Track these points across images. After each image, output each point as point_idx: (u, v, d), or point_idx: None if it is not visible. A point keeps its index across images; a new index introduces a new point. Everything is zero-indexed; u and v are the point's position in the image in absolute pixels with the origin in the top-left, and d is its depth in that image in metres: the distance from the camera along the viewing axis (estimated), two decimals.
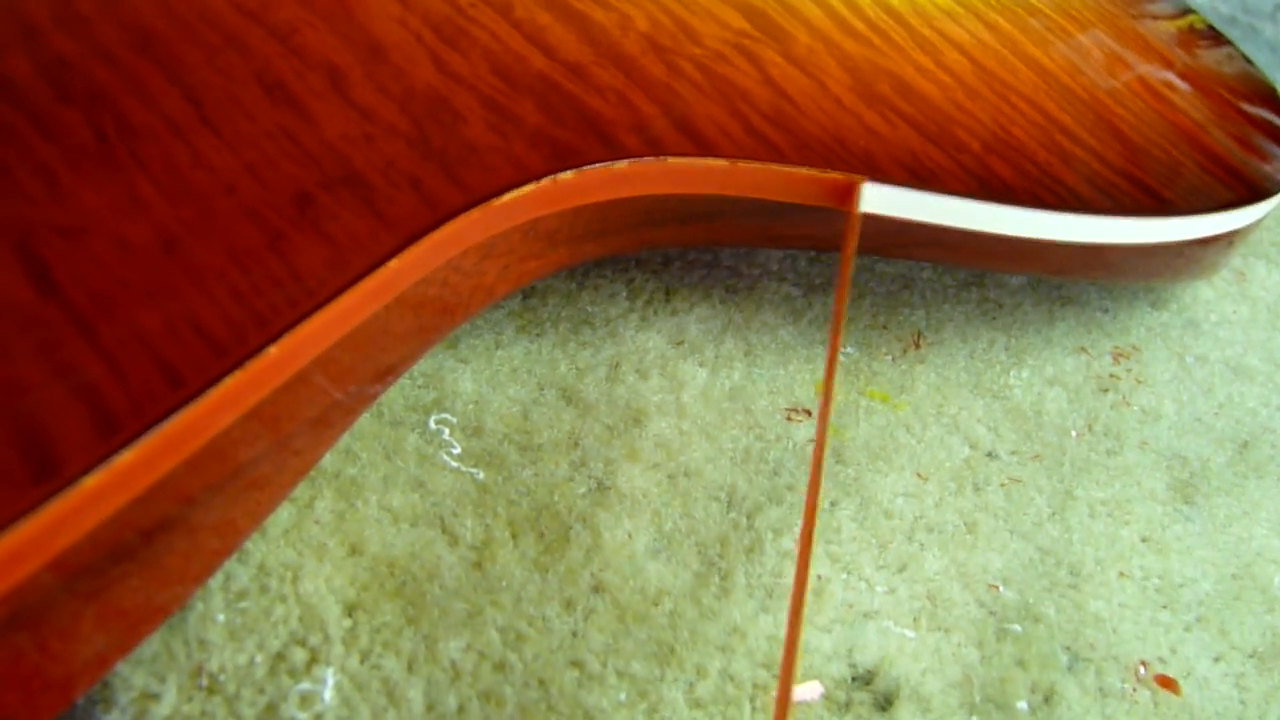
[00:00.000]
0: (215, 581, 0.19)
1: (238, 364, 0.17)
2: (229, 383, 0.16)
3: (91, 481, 0.15)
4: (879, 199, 0.26)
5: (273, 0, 0.23)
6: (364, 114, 0.21)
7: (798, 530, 0.24)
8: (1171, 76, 0.33)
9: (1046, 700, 0.23)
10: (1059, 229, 0.28)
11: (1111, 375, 0.31)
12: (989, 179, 0.26)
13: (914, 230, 0.27)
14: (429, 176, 0.21)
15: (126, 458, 0.15)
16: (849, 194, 0.24)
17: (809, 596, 0.23)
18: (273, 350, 0.17)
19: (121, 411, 0.16)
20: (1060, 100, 0.29)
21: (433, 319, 0.23)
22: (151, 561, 0.18)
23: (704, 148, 0.24)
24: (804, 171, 0.24)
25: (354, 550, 0.21)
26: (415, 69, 0.22)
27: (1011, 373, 0.30)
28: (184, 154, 0.19)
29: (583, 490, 0.23)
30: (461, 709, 0.19)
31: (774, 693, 0.21)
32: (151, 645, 0.19)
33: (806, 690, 0.22)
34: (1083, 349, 0.31)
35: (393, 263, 0.19)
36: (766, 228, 0.26)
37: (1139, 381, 0.30)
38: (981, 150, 0.26)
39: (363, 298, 0.19)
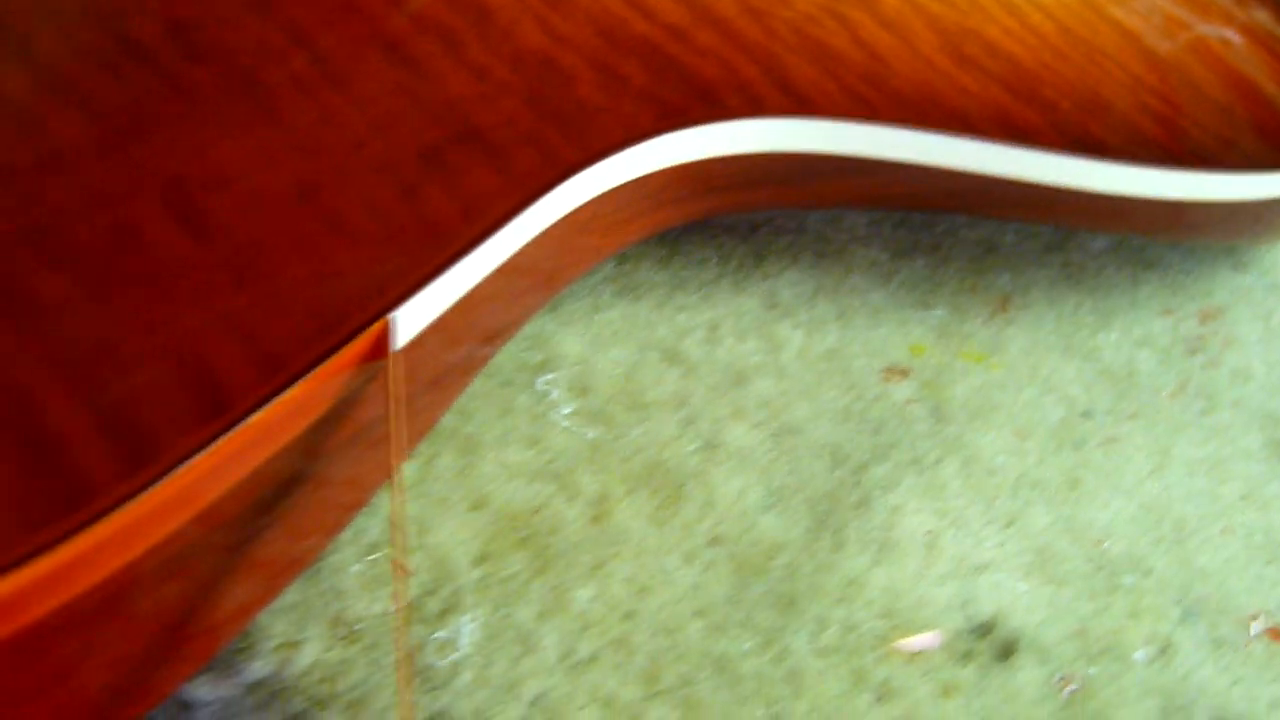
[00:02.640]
0: (347, 535, 0.20)
1: (379, 314, 0.17)
2: (368, 332, 0.17)
3: (258, 418, 0.15)
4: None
5: None
6: (479, 74, 0.21)
7: (905, 486, 0.25)
8: (1236, 36, 0.33)
9: (1162, 651, 0.23)
10: (1146, 184, 0.28)
11: (1199, 337, 0.31)
12: (1081, 135, 0.26)
13: (1006, 187, 0.27)
14: (546, 134, 0.21)
15: (288, 396, 0.16)
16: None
17: (922, 551, 0.24)
18: (399, 312, 0.17)
19: (282, 352, 0.16)
20: (1143, 58, 0.30)
21: (543, 279, 0.23)
22: (287, 515, 0.18)
23: (804, 107, 0.24)
24: None
25: (477, 505, 0.21)
26: (522, 31, 0.22)
27: (1100, 334, 0.30)
28: (313, 111, 0.19)
29: (692, 448, 0.24)
30: (594, 657, 0.20)
31: (895, 643, 0.22)
32: (290, 596, 0.19)
33: (926, 639, 0.22)
34: (1168, 311, 0.31)
35: (515, 219, 0.19)
36: (863, 186, 0.27)
37: (1227, 343, 0.30)
38: (1071, 108, 0.26)
39: (489, 253, 0.19)
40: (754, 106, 0.24)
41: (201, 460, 0.15)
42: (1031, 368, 0.29)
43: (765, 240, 0.30)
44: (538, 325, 0.25)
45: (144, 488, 0.14)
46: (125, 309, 0.16)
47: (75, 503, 0.14)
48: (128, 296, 0.16)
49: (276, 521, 0.18)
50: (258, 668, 0.19)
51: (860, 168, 0.26)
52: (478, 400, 0.23)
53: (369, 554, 0.20)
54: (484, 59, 0.22)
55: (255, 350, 0.16)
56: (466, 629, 0.19)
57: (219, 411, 0.15)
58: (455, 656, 0.19)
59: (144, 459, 0.15)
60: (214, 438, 0.15)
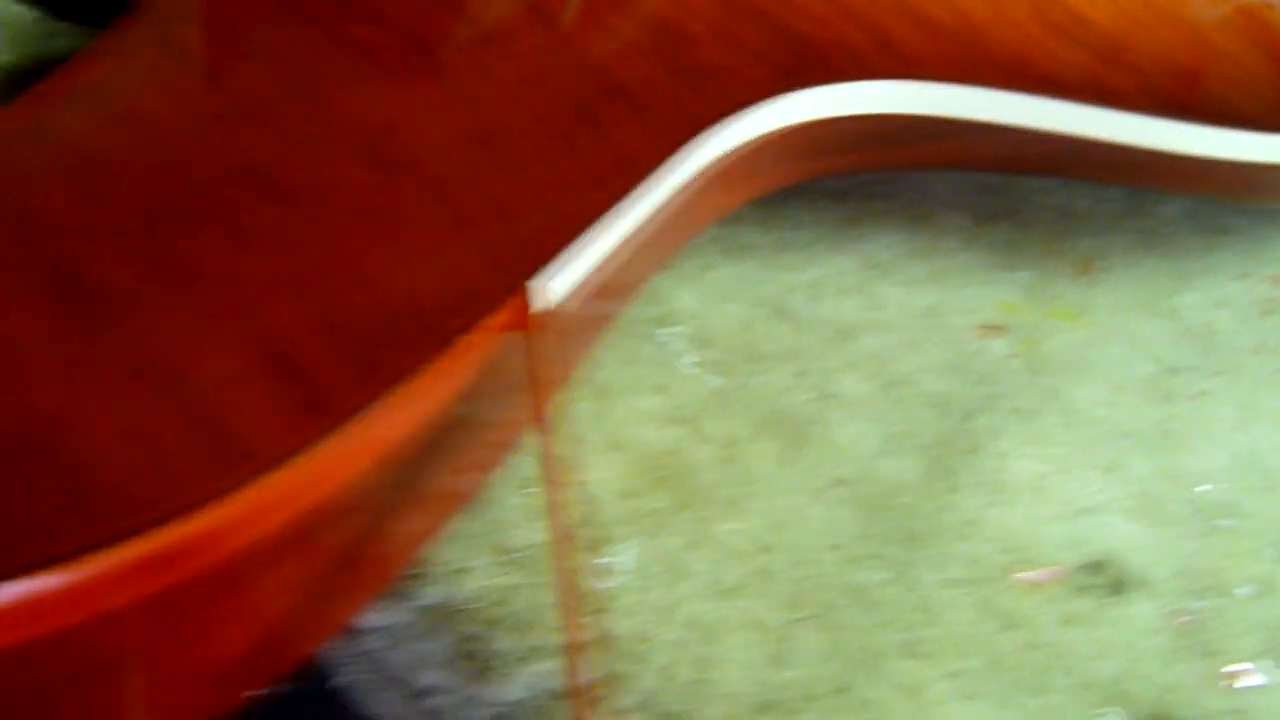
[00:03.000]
0: (503, 472, 0.21)
1: (549, 258, 0.18)
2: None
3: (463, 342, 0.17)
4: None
5: None
6: (613, 34, 0.23)
7: (1010, 434, 0.26)
8: None
9: (1263, 588, 0.24)
10: (1229, 147, 0.29)
11: (1273, 299, 0.32)
12: (1165, 98, 0.27)
13: (1096, 149, 0.28)
14: (679, 92, 0.22)
15: (471, 340, 0.17)
16: None
17: (1031, 494, 0.25)
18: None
19: (480, 291, 0.17)
20: (1220, 22, 0.31)
21: (670, 237, 0.24)
22: (454, 453, 0.19)
23: (910, 70, 0.25)
24: None
25: (615, 446, 0.22)
26: None
27: (1179, 296, 0.31)
28: (472, 66, 0.21)
29: (808, 397, 0.25)
30: (740, 584, 0.21)
31: (1016, 576, 0.23)
32: (456, 527, 0.20)
33: (1044, 574, 0.23)
34: (1244, 275, 0.33)
35: (658, 171, 0.20)
36: (960, 148, 0.28)
37: None
38: (1158, 72, 0.28)
39: (634, 205, 0.20)
40: (861, 69, 0.25)
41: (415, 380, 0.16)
42: (1117, 326, 0.30)
43: (858, 205, 0.31)
44: (653, 282, 0.27)
45: (375, 399, 0.15)
46: (339, 242, 0.17)
47: (316, 410, 0.15)
48: (340, 230, 0.17)
49: (446, 460, 0.20)
50: (429, 593, 0.20)
51: (959, 130, 0.27)
52: (606, 350, 0.24)
53: (525, 488, 0.21)
54: (616, 20, 0.23)
55: (458, 284, 0.17)
56: (622, 558, 0.20)
57: (433, 338, 0.17)
58: (613, 583, 0.20)
59: (370, 377, 0.16)
60: (430, 359, 0.16)
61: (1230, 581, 0.25)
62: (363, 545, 0.19)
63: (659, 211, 0.22)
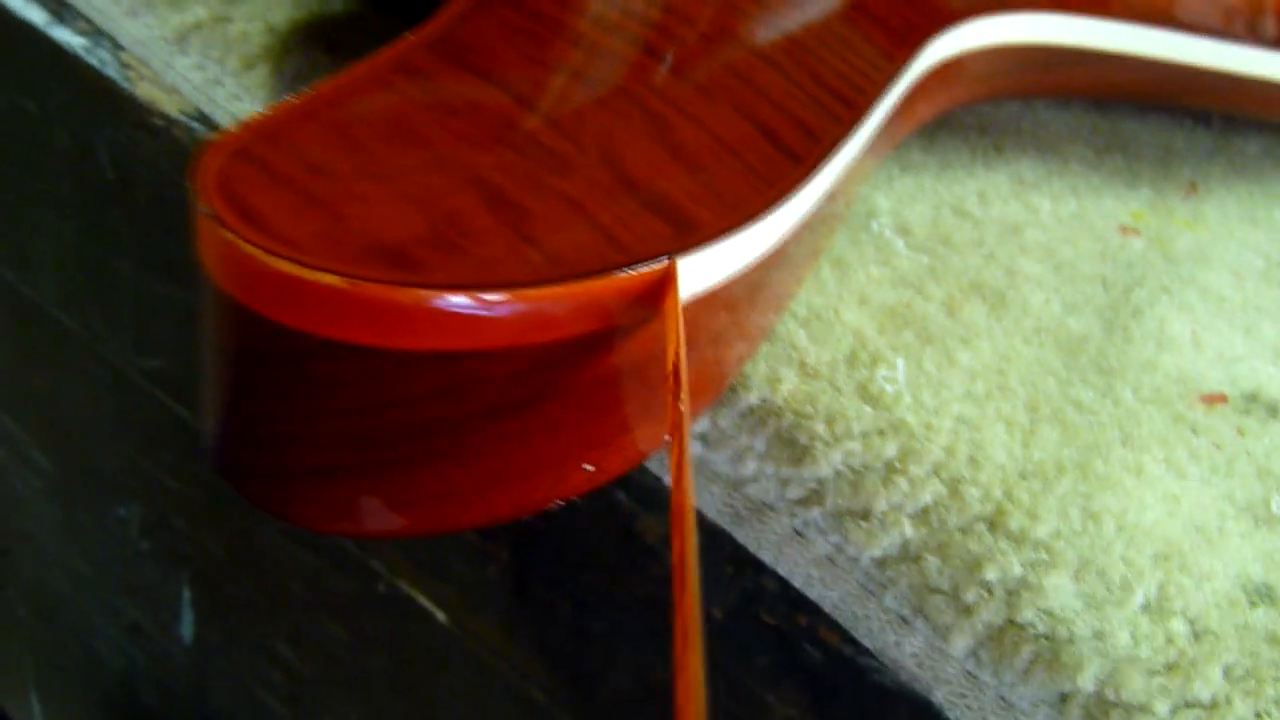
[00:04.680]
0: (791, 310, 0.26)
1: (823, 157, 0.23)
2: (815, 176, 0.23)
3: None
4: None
5: None
6: None
7: (1163, 304, 0.32)
8: None
9: None
10: None
11: None
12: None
13: (1203, 76, 0.34)
14: (902, 13, 0.28)
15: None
16: None
17: (1190, 347, 0.30)
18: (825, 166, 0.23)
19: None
20: None
21: (883, 144, 0.30)
22: (763, 295, 0.25)
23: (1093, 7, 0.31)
24: None
25: (861, 301, 0.28)
26: None
27: (1272, 210, 0.37)
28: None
29: (998, 273, 0.31)
30: (988, 394, 0.26)
31: (1196, 396, 0.28)
32: (762, 349, 0.26)
33: (1216, 396, 0.28)
34: None
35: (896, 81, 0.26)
36: (1102, 75, 0.34)
37: None
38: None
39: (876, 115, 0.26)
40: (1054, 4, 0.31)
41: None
42: (1228, 232, 0.36)
43: (998, 136, 0.37)
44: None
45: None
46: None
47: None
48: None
49: (759, 301, 0.25)
50: (748, 398, 0.25)
51: (1104, 59, 0.33)
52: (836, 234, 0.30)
53: (803, 326, 0.26)
54: None
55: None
56: (900, 365, 0.26)
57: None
58: (891, 389, 0.25)
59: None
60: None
61: None
62: (703, 365, 0.24)
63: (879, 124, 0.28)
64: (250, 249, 0.16)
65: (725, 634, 0.29)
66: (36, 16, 0.37)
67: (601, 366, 0.19)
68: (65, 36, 0.36)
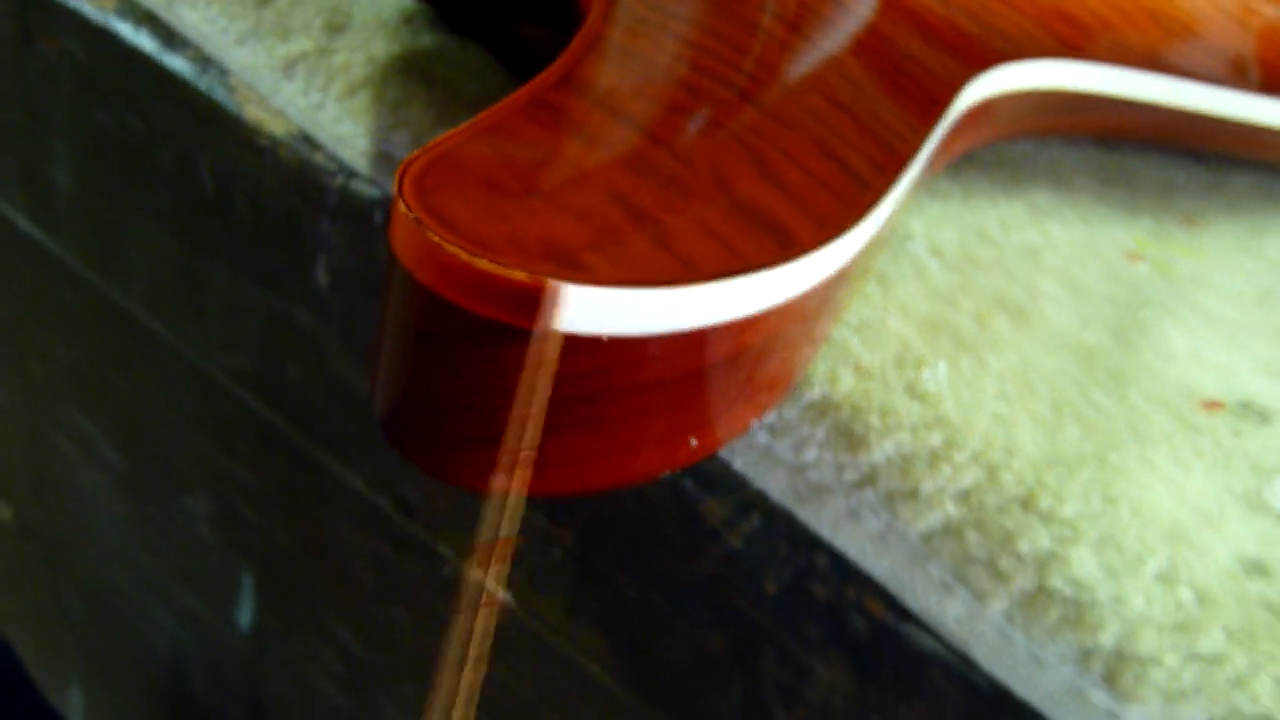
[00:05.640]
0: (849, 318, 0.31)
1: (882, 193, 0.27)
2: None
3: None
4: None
5: None
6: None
7: (1167, 323, 0.36)
8: None
9: None
10: None
11: None
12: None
13: (1220, 125, 0.39)
14: (942, 64, 0.32)
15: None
16: None
17: (1190, 360, 0.34)
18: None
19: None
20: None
21: (922, 175, 0.34)
22: (829, 305, 0.29)
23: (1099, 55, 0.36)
24: None
25: (904, 312, 0.32)
26: None
27: (1261, 241, 0.42)
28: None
29: (1020, 291, 0.35)
30: (1019, 394, 0.30)
31: (1198, 401, 0.32)
32: (822, 352, 0.30)
33: (1214, 403, 0.33)
34: None
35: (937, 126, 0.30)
36: (1116, 119, 0.38)
37: None
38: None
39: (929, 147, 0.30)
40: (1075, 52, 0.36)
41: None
42: (1221, 261, 0.41)
43: (1015, 169, 0.42)
44: None
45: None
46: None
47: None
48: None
49: (831, 309, 0.29)
50: (810, 394, 0.29)
51: (1116, 104, 0.38)
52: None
53: (858, 330, 0.30)
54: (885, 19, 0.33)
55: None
56: (937, 372, 0.30)
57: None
58: (934, 388, 0.29)
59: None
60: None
61: None
62: (780, 365, 0.28)
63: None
64: (453, 249, 0.20)
65: (778, 606, 0.33)
66: (146, 44, 0.41)
67: (715, 355, 0.23)
68: (175, 63, 0.40)
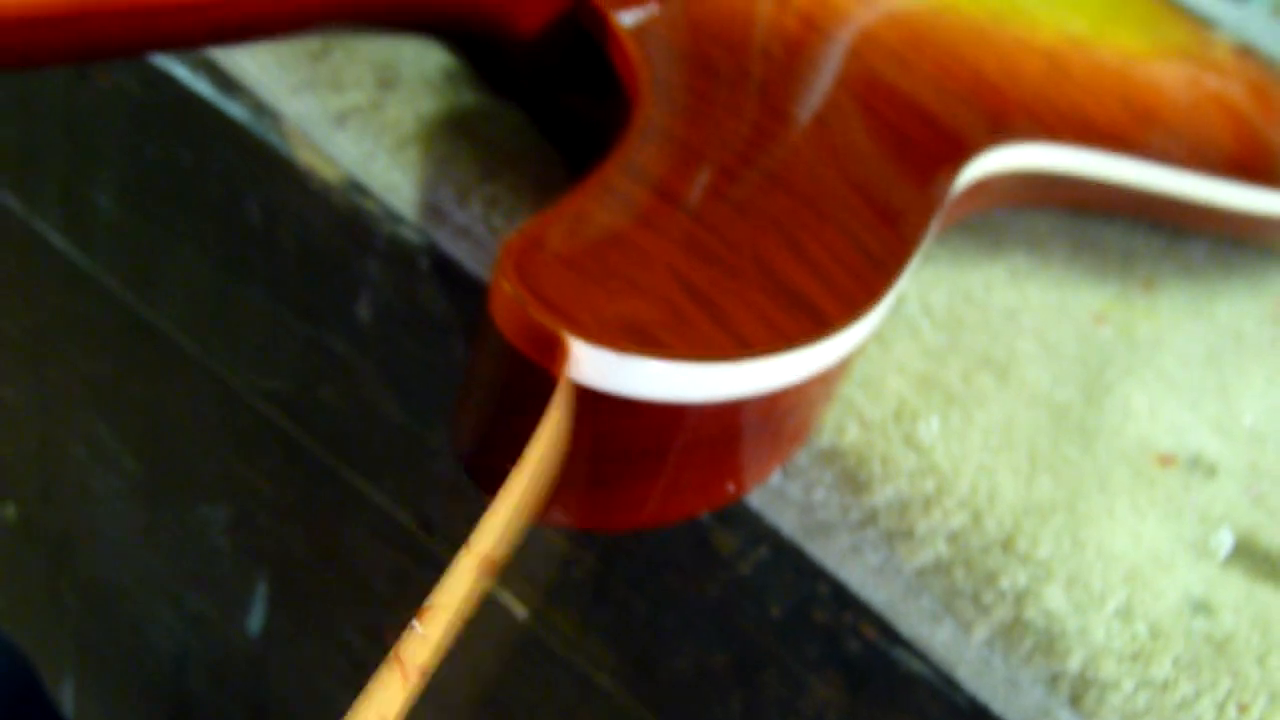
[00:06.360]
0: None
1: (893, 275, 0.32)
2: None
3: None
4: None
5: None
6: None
7: (1128, 383, 0.40)
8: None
9: None
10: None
11: (1277, 314, 0.48)
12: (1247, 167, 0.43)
13: (1185, 205, 0.43)
14: (959, 122, 0.36)
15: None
16: None
17: (1148, 418, 0.39)
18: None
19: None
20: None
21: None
22: (844, 369, 0.33)
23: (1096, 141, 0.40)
24: None
25: (900, 370, 0.36)
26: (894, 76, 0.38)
27: (1214, 305, 0.47)
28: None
29: (1002, 349, 0.39)
30: (1001, 446, 0.35)
31: (1152, 455, 0.37)
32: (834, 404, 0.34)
33: (1167, 459, 0.37)
34: (1256, 294, 0.48)
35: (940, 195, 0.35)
36: (1084, 195, 0.43)
37: None
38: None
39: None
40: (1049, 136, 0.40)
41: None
42: (1177, 323, 0.45)
43: (997, 234, 0.46)
44: None
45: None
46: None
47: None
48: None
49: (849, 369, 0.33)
50: (820, 443, 0.33)
51: (1098, 184, 0.42)
52: None
53: (862, 386, 0.35)
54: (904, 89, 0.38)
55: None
56: (931, 425, 0.34)
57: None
58: (928, 439, 0.34)
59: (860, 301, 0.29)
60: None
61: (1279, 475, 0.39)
62: (802, 420, 0.32)
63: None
64: (551, 325, 0.24)
65: (781, 629, 0.37)
66: (204, 89, 0.44)
67: (754, 416, 0.27)
68: (232, 109, 0.43)
